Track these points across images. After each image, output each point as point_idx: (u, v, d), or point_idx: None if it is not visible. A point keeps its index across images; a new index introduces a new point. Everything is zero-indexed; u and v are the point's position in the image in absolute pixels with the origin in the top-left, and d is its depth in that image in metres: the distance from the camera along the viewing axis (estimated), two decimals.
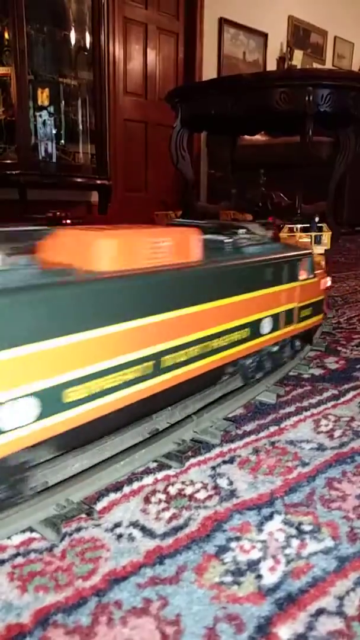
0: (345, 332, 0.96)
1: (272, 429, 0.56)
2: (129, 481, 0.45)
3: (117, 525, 0.40)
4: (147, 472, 0.47)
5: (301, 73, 3.25)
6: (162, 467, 0.48)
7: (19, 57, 3.60)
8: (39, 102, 3.79)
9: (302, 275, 0.67)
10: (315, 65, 5.59)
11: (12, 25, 3.58)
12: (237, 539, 0.38)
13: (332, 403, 0.63)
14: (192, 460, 0.49)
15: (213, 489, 0.45)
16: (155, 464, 0.48)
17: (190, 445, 0.50)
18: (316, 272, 0.74)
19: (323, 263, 0.92)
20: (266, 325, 0.60)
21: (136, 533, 0.39)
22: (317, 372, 0.74)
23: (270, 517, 0.41)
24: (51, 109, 3.84)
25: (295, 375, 0.72)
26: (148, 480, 0.46)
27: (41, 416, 0.35)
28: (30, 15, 3.60)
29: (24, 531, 0.38)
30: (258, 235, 0.64)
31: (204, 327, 0.50)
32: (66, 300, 0.37)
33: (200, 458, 0.50)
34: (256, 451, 0.51)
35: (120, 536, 0.39)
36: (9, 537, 0.38)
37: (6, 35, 3.65)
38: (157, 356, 0.45)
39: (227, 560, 0.36)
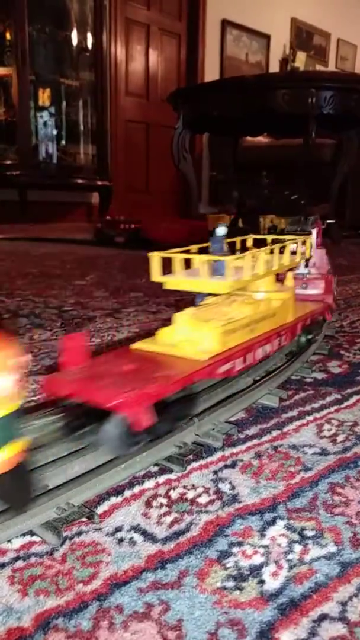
0: (348, 335, 0.95)
1: (275, 433, 0.56)
2: (130, 485, 0.45)
3: (118, 529, 0.40)
4: (149, 475, 0.47)
5: (304, 75, 3.25)
6: (163, 470, 0.48)
7: (21, 58, 3.61)
8: (40, 103, 3.80)
9: None
10: (318, 67, 5.59)
11: (14, 26, 3.59)
12: (239, 544, 0.38)
13: (335, 407, 0.63)
14: (194, 464, 0.49)
15: (215, 494, 0.44)
16: (156, 468, 0.48)
17: (191, 448, 0.50)
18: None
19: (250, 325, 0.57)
20: None
21: (137, 537, 0.39)
22: (320, 376, 0.73)
23: (272, 522, 0.41)
24: (52, 110, 3.85)
25: (297, 379, 0.72)
26: (149, 484, 0.46)
27: None
28: (32, 16, 3.61)
29: (24, 535, 0.38)
30: None
31: None
32: None
33: (202, 462, 0.49)
34: (258, 455, 0.51)
35: (121, 540, 0.38)
36: (9, 541, 0.38)
37: (8, 36, 3.66)
38: None
39: (229, 565, 0.36)
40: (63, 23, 3.98)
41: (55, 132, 3.98)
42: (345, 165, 2.58)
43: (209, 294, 0.63)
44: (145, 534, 0.39)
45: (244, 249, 0.71)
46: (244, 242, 0.74)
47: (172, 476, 0.47)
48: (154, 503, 0.43)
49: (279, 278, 0.73)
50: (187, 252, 0.59)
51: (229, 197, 3.16)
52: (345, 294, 1.39)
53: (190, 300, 0.65)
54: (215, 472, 0.48)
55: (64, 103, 4.06)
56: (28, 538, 0.38)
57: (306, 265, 0.82)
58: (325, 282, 0.82)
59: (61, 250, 2.47)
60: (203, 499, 0.43)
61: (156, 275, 0.57)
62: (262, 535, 0.39)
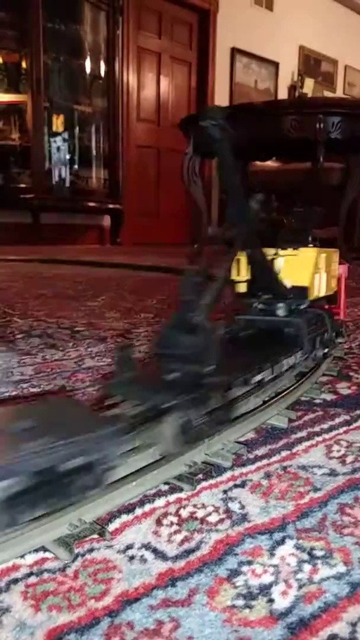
0: (358, 357, 0.96)
1: (284, 453, 0.56)
2: (141, 503, 0.46)
3: (129, 547, 0.40)
4: (159, 494, 0.47)
5: (312, 101, 3.30)
6: (173, 489, 0.48)
7: (35, 85, 3.71)
8: (54, 129, 3.89)
9: None
10: (326, 93, 5.67)
11: (30, 55, 3.70)
12: (249, 562, 0.38)
13: (344, 428, 0.63)
14: (204, 484, 0.49)
15: (225, 513, 0.45)
16: (167, 487, 0.48)
17: (201, 467, 0.51)
18: None
19: None
20: None
21: (148, 555, 0.39)
22: (329, 397, 0.74)
23: (282, 541, 0.41)
24: (65, 135, 3.94)
25: (307, 400, 0.72)
26: (160, 502, 0.46)
27: None
28: (48, 45, 3.72)
29: (37, 550, 0.39)
30: None
31: None
32: None
33: (212, 481, 0.50)
34: (268, 475, 0.51)
35: (132, 558, 0.39)
36: (22, 556, 0.38)
37: (23, 64, 3.77)
38: None
39: (239, 583, 0.36)
40: (77, 52, 4.08)
41: (68, 156, 4.05)
42: (353, 189, 2.60)
43: None
44: (156, 552, 0.39)
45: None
46: None
47: (182, 495, 0.47)
48: (165, 521, 0.43)
49: None
50: None
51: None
52: (354, 315, 1.39)
53: None
54: (224, 492, 0.48)
55: (77, 129, 4.15)
56: (41, 554, 0.39)
57: None
58: None
59: (73, 272, 2.50)
60: (213, 518, 0.44)
61: None
62: (272, 555, 0.39)
